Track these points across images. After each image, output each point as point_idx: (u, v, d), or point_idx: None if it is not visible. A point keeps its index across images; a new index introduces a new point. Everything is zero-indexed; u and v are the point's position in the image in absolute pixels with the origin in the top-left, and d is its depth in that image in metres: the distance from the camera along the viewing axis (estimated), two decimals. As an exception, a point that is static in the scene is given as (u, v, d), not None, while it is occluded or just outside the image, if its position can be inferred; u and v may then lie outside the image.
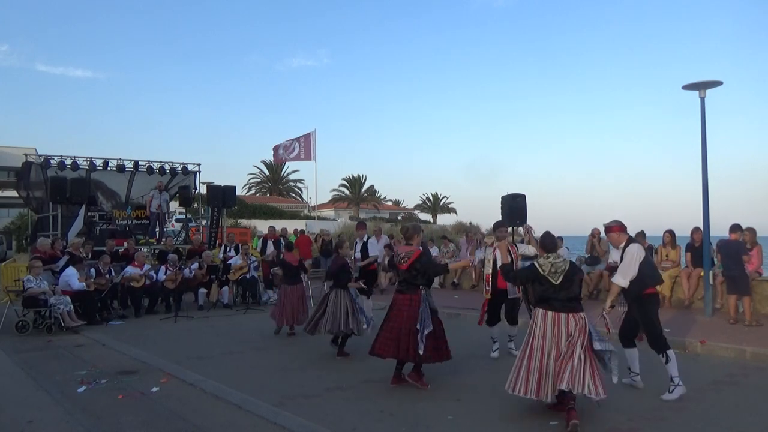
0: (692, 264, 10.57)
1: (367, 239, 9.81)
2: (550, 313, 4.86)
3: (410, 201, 67.51)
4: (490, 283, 7.06)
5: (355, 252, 9.63)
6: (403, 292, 5.99)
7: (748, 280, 9.07)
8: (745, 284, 8.98)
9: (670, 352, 5.53)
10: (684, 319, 9.36)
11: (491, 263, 7.01)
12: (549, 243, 5.11)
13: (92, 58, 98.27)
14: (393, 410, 5.15)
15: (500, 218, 11.57)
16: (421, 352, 5.63)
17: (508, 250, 6.96)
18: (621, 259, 5.65)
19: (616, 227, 5.80)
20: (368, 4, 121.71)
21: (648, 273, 5.58)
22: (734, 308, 9.08)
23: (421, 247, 6.19)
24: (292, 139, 22.29)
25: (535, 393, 4.74)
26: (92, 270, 10.81)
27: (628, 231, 5.99)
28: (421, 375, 5.92)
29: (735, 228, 9.45)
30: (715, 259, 10.33)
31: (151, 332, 9.58)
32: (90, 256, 11.76)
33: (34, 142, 62.75)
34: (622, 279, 5.48)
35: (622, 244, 5.71)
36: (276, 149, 22.67)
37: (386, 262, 10.36)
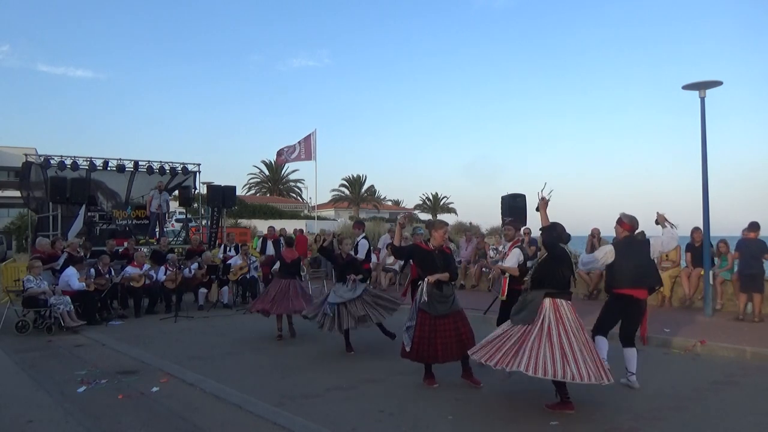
0: (692, 264, 10.58)
1: (361, 238, 9.74)
2: None
3: (410, 201, 67.55)
4: (507, 284, 6.97)
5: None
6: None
7: (763, 278, 9.25)
8: (761, 282, 9.18)
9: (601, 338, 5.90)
10: (684, 319, 9.36)
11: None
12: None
13: (93, 59, 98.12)
14: (393, 410, 5.15)
15: (500, 218, 11.63)
16: (407, 349, 5.86)
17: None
18: None
19: (625, 224, 5.93)
20: (369, 4, 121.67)
21: (615, 274, 5.80)
22: (744, 306, 9.23)
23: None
24: (294, 143, 22.33)
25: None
26: (92, 270, 10.81)
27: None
28: (429, 375, 6.03)
29: (754, 226, 9.44)
30: (716, 259, 10.34)
31: (151, 332, 9.58)
32: (89, 255, 11.76)
33: (34, 142, 62.87)
34: (582, 266, 6.09)
35: (618, 238, 6.02)
36: (279, 153, 22.71)
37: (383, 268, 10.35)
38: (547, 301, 5.09)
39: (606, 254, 5.79)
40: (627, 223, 5.91)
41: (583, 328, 5.08)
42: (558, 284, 5.16)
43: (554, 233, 5.26)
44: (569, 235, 5.43)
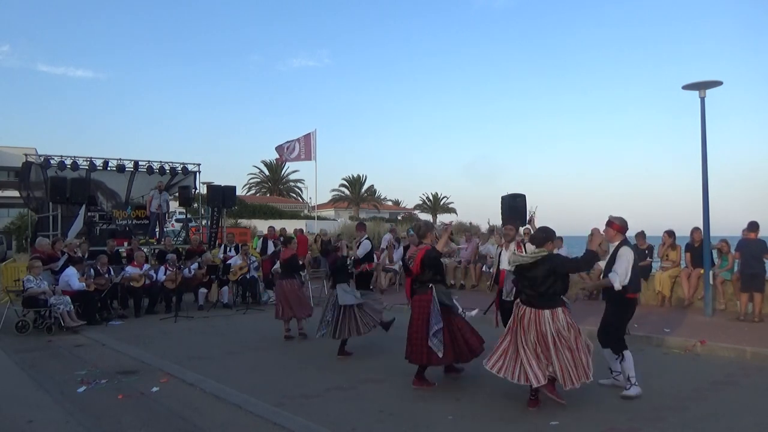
0: (692, 264, 10.58)
1: (363, 240, 9.73)
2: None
3: (410, 201, 67.55)
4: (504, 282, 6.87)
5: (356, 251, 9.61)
6: (417, 293, 6.00)
7: (764, 277, 9.28)
8: (762, 282, 9.21)
9: (627, 353, 5.60)
10: (684, 319, 9.36)
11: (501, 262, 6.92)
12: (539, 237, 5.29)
13: (93, 59, 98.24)
14: (393, 410, 5.15)
15: (501, 218, 11.60)
16: (440, 355, 5.61)
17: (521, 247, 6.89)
18: (612, 258, 5.64)
19: (616, 225, 5.75)
20: (369, 4, 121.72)
21: (632, 278, 5.58)
22: (745, 306, 9.26)
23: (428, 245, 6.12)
24: (293, 140, 22.21)
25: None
26: (92, 270, 10.81)
27: (628, 230, 5.99)
28: (423, 379, 5.94)
29: (754, 226, 9.44)
30: (716, 259, 10.35)
31: (151, 332, 9.58)
32: (86, 256, 11.75)
33: (34, 142, 62.78)
34: (618, 282, 5.44)
35: (615, 243, 5.69)
36: (278, 149, 22.62)
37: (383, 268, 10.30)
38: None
39: (630, 260, 5.53)
40: (621, 226, 5.72)
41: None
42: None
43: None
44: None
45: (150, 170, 16.63)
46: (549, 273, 5.03)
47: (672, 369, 6.67)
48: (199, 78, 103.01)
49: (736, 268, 9.89)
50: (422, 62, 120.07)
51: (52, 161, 15.25)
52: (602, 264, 5.94)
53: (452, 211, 58.87)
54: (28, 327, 9.49)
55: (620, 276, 5.47)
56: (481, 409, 5.17)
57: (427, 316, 5.74)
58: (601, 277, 5.90)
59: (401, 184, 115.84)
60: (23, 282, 9.64)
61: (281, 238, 14.25)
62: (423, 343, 5.70)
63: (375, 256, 10.23)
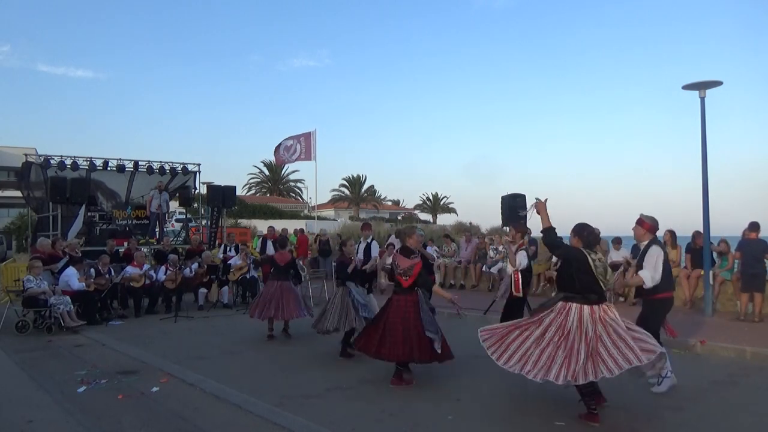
0: (692, 265, 10.58)
1: (371, 240, 9.75)
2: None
3: (410, 201, 67.58)
4: (520, 282, 6.90)
5: (357, 252, 9.59)
6: (402, 293, 5.97)
7: (765, 278, 9.30)
8: (762, 282, 9.23)
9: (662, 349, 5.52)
10: (684, 319, 9.35)
11: (516, 261, 6.92)
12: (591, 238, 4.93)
13: (93, 59, 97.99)
14: (393, 410, 5.15)
15: (500, 218, 11.65)
16: (438, 350, 5.68)
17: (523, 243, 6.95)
18: (642, 257, 5.58)
19: (647, 224, 5.70)
20: (369, 4, 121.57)
21: (664, 277, 5.54)
22: (745, 306, 9.29)
23: (419, 258, 6.10)
24: (293, 138, 22.17)
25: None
26: (92, 270, 10.81)
27: (627, 232, 5.99)
28: (402, 378, 5.97)
29: (754, 226, 9.46)
30: (716, 259, 10.35)
31: (151, 332, 9.58)
32: (78, 254, 11.73)
33: (34, 142, 62.78)
34: (649, 279, 5.42)
35: (645, 242, 5.67)
36: (277, 149, 22.59)
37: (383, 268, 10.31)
38: (560, 305, 4.83)
39: (660, 255, 5.50)
40: (652, 225, 5.69)
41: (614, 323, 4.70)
42: (570, 288, 4.82)
43: (552, 235, 5.01)
44: (597, 238, 5.13)
45: (150, 170, 16.64)
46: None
47: (672, 369, 6.66)
48: (199, 78, 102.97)
49: (736, 268, 9.89)
50: (422, 62, 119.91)
51: (52, 161, 15.25)
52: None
53: (452, 211, 58.92)
54: (28, 327, 9.49)
55: (650, 273, 5.42)
56: (481, 409, 5.17)
57: (416, 315, 5.82)
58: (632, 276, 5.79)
59: (401, 184, 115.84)
60: (23, 282, 9.64)
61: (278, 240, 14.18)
62: (424, 341, 5.71)
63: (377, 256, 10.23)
